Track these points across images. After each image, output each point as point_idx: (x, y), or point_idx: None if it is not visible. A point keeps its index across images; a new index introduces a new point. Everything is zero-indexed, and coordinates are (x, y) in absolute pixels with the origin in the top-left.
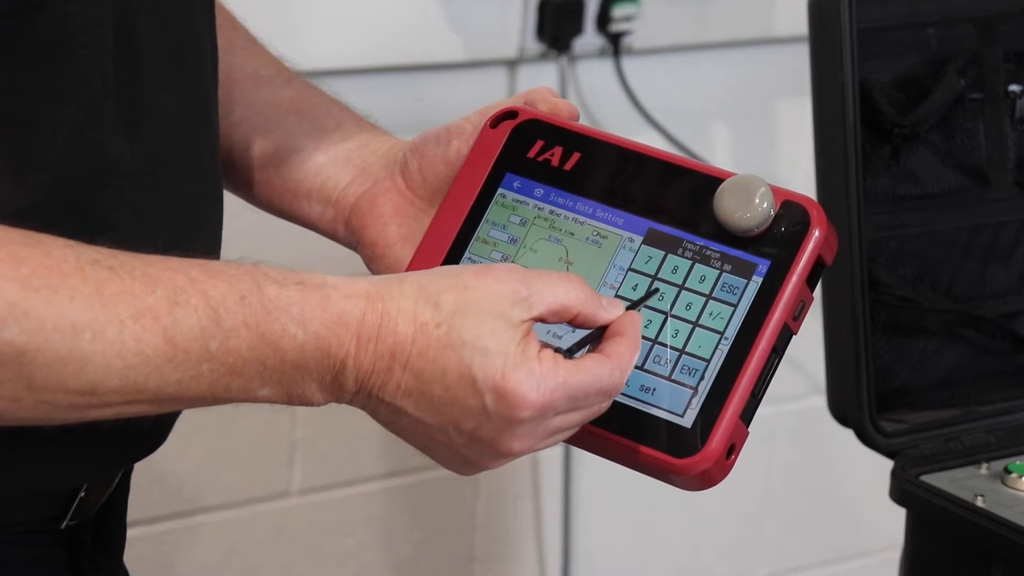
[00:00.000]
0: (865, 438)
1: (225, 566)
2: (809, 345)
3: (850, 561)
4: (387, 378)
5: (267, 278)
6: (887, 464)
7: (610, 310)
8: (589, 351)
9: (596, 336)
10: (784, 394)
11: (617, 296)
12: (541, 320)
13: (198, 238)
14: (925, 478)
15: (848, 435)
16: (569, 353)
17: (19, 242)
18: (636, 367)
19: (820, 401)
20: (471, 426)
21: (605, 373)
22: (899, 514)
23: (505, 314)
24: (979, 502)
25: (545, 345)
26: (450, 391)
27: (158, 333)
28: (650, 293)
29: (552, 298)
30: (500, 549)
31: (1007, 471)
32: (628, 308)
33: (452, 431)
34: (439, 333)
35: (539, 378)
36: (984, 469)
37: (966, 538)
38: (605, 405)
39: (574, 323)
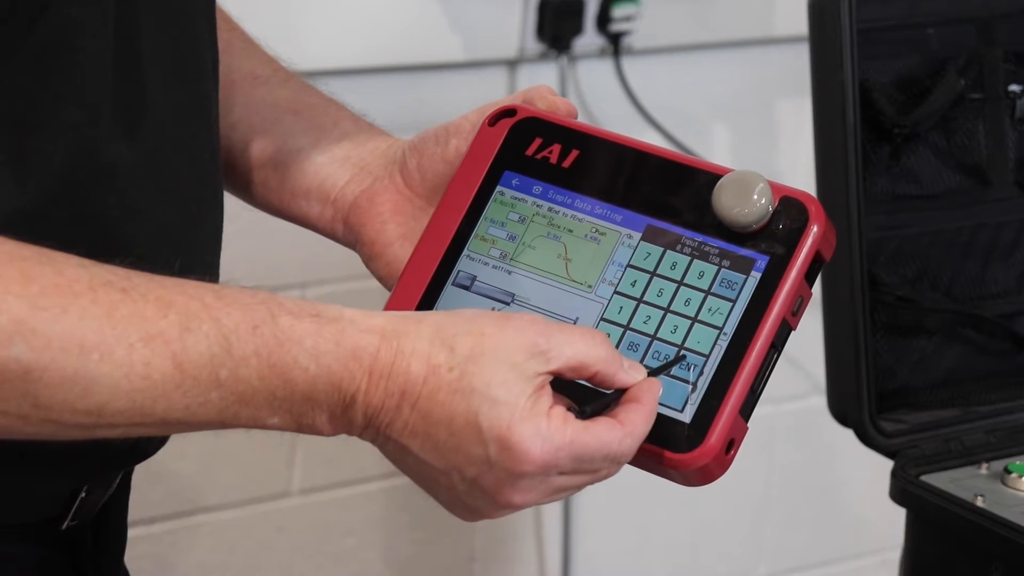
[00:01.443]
0: (865, 438)
1: (225, 566)
2: (809, 345)
3: (850, 561)
4: (395, 416)
5: (282, 308)
6: (887, 464)
7: (631, 373)
8: (605, 413)
9: (614, 398)
10: (784, 394)
11: (622, 296)
12: (558, 375)
13: (199, 239)
14: (925, 478)
15: (848, 435)
16: (582, 413)
17: (31, 259)
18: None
19: (820, 401)
20: (473, 473)
21: (615, 440)
22: (899, 514)
23: (519, 365)
24: (979, 502)
25: (558, 402)
26: (455, 436)
27: (168, 358)
28: (677, 359)
29: (571, 353)
30: (500, 549)
31: (1007, 471)
32: (650, 374)
33: (455, 476)
34: (451, 377)
35: (545, 435)
36: (984, 469)
37: (966, 538)
38: (614, 471)
39: (592, 382)
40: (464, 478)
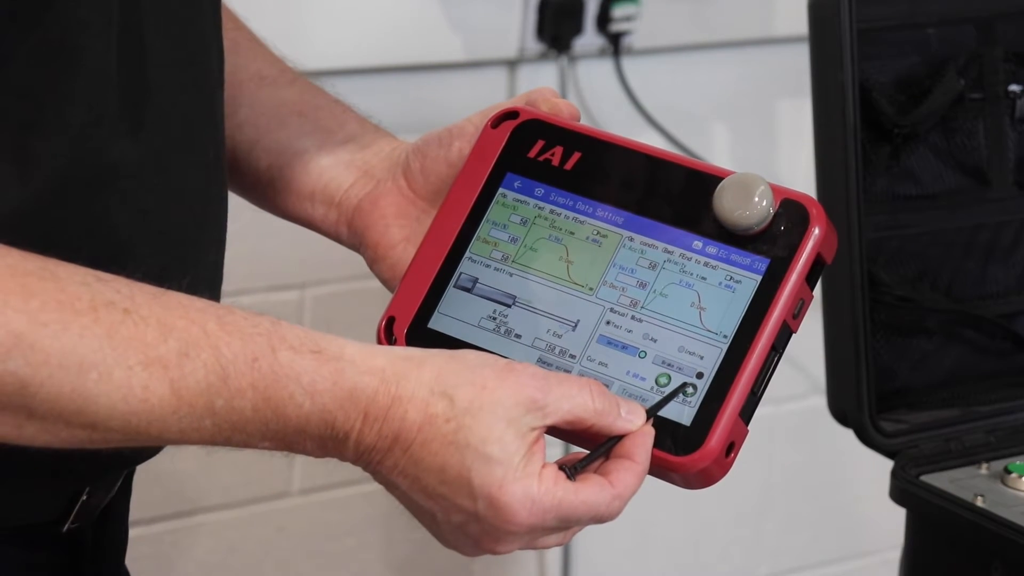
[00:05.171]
0: (865, 438)
1: (225, 566)
2: (809, 345)
3: (850, 561)
4: (386, 456)
5: (283, 342)
6: (887, 464)
7: (629, 419)
8: (600, 459)
9: (609, 447)
10: (784, 394)
11: (623, 298)
12: (554, 428)
13: (203, 239)
14: (925, 478)
15: (848, 435)
16: (573, 470)
17: (34, 274)
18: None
19: (820, 401)
20: (459, 520)
21: (603, 502)
22: (899, 514)
23: (516, 421)
24: (979, 502)
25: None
26: (445, 485)
27: (166, 384)
28: (677, 390)
29: (568, 408)
30: None
31: (1007, 471)
32: (650, 411)
33: (440, 516)
34: (447, 429)
35: (535, 497)
36: (984, 469)
37: (966, 538)
38: (599, 523)
39: (587, 434)
40: (450, 521)
